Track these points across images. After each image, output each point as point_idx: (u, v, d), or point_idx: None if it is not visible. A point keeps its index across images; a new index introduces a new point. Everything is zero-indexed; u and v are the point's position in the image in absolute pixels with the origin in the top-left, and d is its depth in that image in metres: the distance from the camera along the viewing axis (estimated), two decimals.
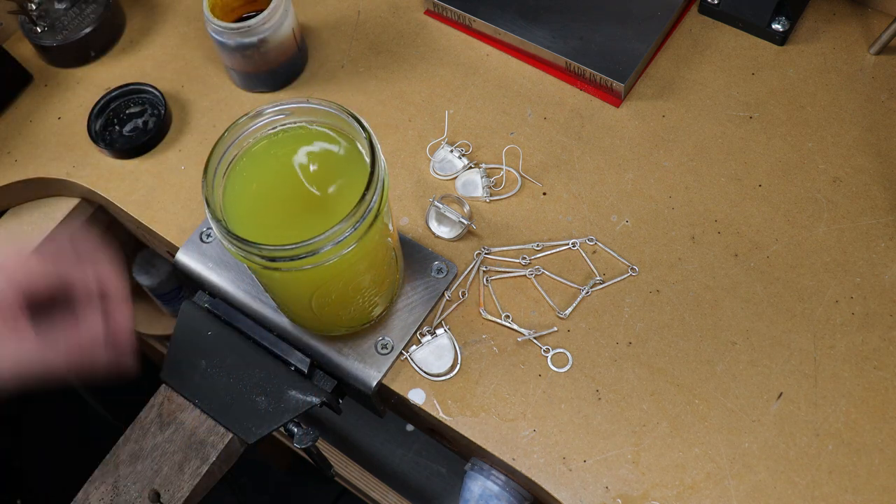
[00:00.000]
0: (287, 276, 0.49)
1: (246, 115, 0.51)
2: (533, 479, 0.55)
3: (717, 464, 0.54)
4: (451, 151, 0.66)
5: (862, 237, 0.61)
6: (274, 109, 0.51)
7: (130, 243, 1.01)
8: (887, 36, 0.67)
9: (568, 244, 0.63)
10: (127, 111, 0.73)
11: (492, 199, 0.65)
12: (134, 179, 0.70)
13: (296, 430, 0.60)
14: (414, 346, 0.60)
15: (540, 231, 0.64)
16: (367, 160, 0.48)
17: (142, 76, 0.76)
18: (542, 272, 0.62)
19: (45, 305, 0.50)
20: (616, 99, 0.69)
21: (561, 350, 0.59)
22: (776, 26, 0.69)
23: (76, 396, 1.28)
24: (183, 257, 0.65)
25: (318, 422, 0.99)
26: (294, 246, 0.45)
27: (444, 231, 0.64)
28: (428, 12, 0.76)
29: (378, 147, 0.48)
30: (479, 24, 0.73)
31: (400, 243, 0.60)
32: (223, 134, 0.50)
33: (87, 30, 0.75)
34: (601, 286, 0.61)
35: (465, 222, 0.63)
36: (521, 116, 0.69)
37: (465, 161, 0.66)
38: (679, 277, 0.61)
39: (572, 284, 0.61)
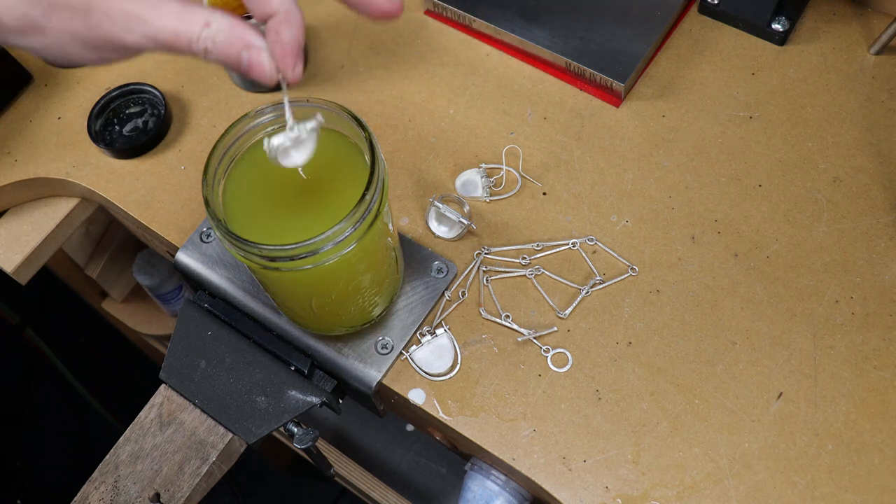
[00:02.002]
0: (287, 276, 0.49)
1: (246, 115, 0.51)
2: (533, 478, 0.55)
3: (717, 464, 0.54)
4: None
5: (862, 237, 0.61)
6: (274, 109, 0.51)
7: (130, 243, 1.02)
8: (887, 36, 0.67)
9: (568, 244, 0.63)
10: (127, 111, 0.73)
11: (492, 199, 0.65)
12: (134, 179, 0.70)
13: (296, 430, 0.60)
14: (414, 346, 0.60)
15: (540, 231, 0.64)
16: (367, 160, 0.48)
17: (142, 76, 0.76)
18: (542, 272, 0.62)
19: None
20: (616, 99, 0.69)
21: (561, 350, 0.59)
22: (776, 26, 0.69)
23: (76, 396, 1.28)
24: (183, 257, 0.65)
25: (318, 422, 1.00)
26: (294, 246, 0.45)
27: (444, 231, 0.64)
28: (428, 12, 0.76)
29: (378, 147, 0.48)
30: (479, 24, 0.73)
31: (400, 243, 0.60)
32: (223, 134, 0.50)
33: None
34: (601, 286, 0.61)
35: (465, 222, 0.63)
36: (521, 116, 0.69)
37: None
38: (679, 277, 0.61)
39: (572, 284, 0.61)
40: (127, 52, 0.41)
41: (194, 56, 0.41)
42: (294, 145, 0.45)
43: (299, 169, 0.49)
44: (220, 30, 0.41)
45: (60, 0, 0.39)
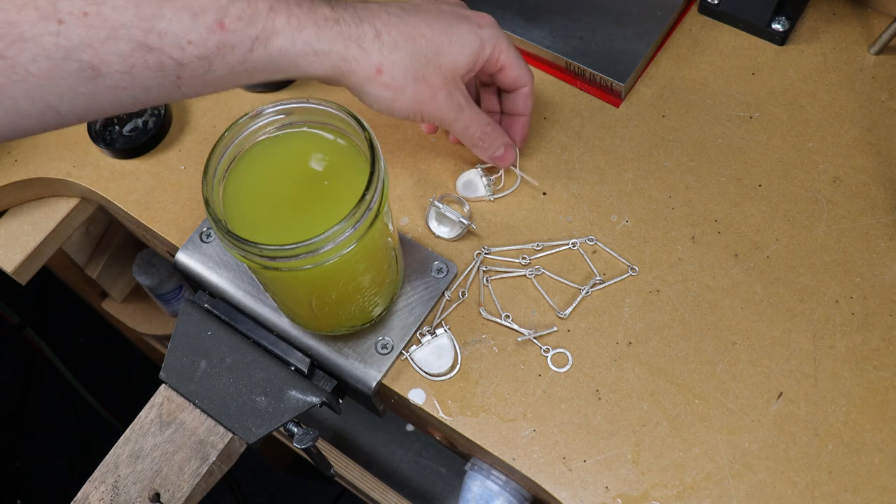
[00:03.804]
0: (287, 276, 0.49)
1: (246, 115, 0.51)
2: (533, 478, 0.55)
3: (717, 464, 0.54)
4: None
5: (862, 237, 0.61)
6: (274, 109, 0.51)
7: (130, 243, 1.02)
8: (887, 36, 0.67)
9: (568, 244, 0.63)
10: None
11: (494, 197, 0.65)
12: (134, 179, 0.70)
13: (296, 430, 0.60)
14: (414, 346, 0.60)
15: (540, 231, 0.64)
16: (367, 160, 0.48)
17: None
18: (542, 272, 0.62)
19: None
20: (616, 99, 0.69)
21: (561, 350, 0.59)
22: (776, 26, 0.69)
23: (76, 396, 1.28)
24: (183, 257, 0.65)
25: (318, 422, 1.00)
26: (294, 246, 0.45)
27: (444, 231, 0.64)
28: None
29: (378, 147, 0.48)
30: None
31: (400, 243, 0.60)
32: (223, 134, 0.50)
33: None
34: (601, 286, 0.61)
35: (465, 222, 0.63)
36: None
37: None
38: (679, 277, 0.61)
39: (572, 284, 0.61)
40: (432, 122, 0.58)
41: (464, 142, 0.61)
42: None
43: (299, 169, 0.49)
44: (493, 132, 0.61)
45: (430, 76, 0.54)
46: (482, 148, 0.61)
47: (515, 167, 0.64)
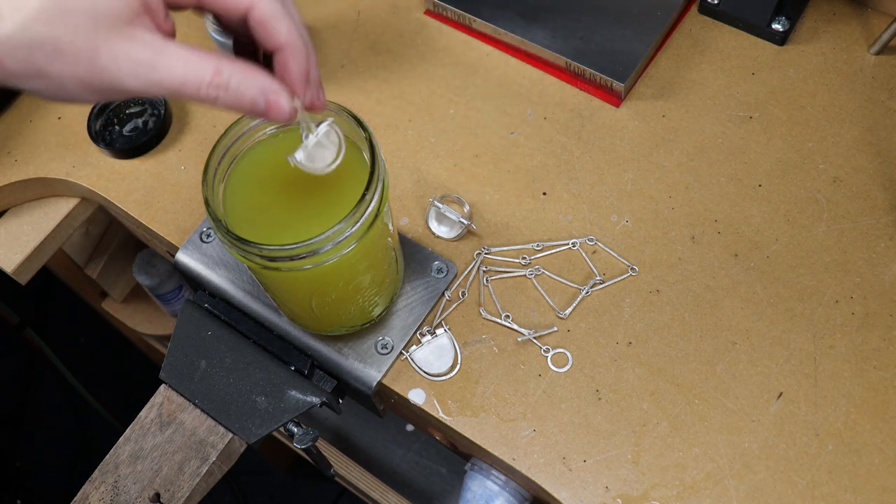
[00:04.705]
0: (287, 276, 0.49)
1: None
2: (533, 479, 0.55)
3: (717, 464, 0.54)
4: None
5: (862, 237, 0.61)
6: None
7: (130, 243, 1.01)
8: (887, 36, 0.67)
9: (568, 244, 0.63)
10: (127, 111, 0.73)
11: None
12: (134, 179, 0.70)
13: (296, 430, 0.60)
14: (414, 346, 0.60)
15: (540, 231, 0.64)
16: (367, 160, 0.48)
17: None
18: (542, 272, 0.62)
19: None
20: (616, 99, 0.69)
21: (561, 350, 0.59)
22: (776, 26, 0.69)
23: (76, 396, 1.28)
24: (183, 257, 0.65)
25: (318, 422, 0.99)
26: (294, 246, 0.45)
27: (444, 231, 0.64)
28: (428, 12, 0.76)
29: (378, 147, 0.48)
30: (480, 24, 0.73)
31: (400, 243, 0.60)
32: (223, 134, 0.50)
33: None
34: (601, 286, 0.61)
35: (465, 222, 0.63)
36: (521, 116, 0.69)
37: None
38: (679, 277, 0.61)
39: (572, 284, 0.61)
40: (130, 95, 0.40)
41: (201, 102, 0.41)
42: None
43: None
44: (233, 75, 0.40)
45: (65, 45, 0.38)
46: (228, 104, 0.41)
47: (298, 117, 0.44)
